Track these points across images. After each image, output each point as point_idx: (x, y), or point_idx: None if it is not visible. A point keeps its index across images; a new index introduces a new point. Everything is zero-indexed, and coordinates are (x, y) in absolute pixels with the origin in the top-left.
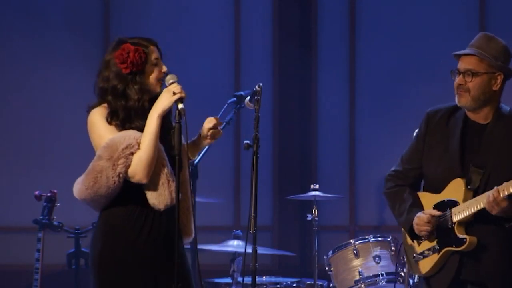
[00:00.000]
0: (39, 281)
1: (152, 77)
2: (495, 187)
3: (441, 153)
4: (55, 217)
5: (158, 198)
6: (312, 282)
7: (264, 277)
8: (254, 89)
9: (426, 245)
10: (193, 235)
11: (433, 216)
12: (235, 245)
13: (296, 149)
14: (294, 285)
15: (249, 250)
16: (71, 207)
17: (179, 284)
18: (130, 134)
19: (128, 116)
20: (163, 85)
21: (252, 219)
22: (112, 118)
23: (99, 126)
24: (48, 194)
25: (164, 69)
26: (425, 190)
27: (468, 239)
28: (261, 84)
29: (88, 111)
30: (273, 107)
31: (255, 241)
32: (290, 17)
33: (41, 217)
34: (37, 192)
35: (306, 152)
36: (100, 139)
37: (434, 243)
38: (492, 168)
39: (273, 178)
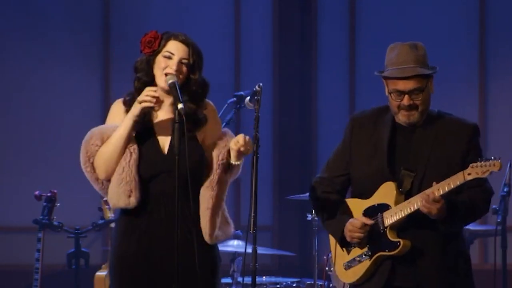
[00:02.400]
0: (39, 281)
1: (158, 68)
2: (429, 189)
3: (369, 157)
4: (55, 217)
5: (112, 197)
6: (312, 282)
7: (264, 277)
8: (254, 89)
9: (356, 251)
10: (211, 237)
11: (366, 223)
12: (235, 245)
13: (296, 149)
14: (294, 285)
15: (249, 250)
16: (71, 207)
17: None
18: (106, 128)
19: (133, 100)
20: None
21: (252, 219)
22: (126, 100)
23: (109, 116)
24: (48, 194)
25: (172, 66)
26: (354, 196)
27: (401, 243)
28: (261, 84)
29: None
30: (273, 107)
31: (255, 241)
32: (290, 17)
33: (41, 217)
34: (37, 192)
35: (306, 152)
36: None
37: (366, 249)
38: (423, 170)
39: (273, 178)
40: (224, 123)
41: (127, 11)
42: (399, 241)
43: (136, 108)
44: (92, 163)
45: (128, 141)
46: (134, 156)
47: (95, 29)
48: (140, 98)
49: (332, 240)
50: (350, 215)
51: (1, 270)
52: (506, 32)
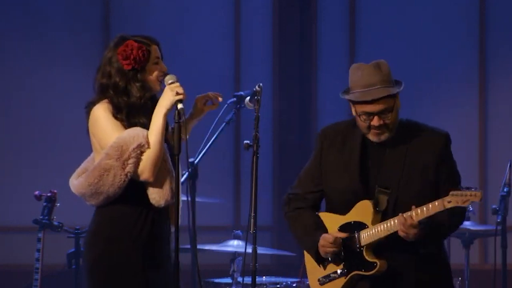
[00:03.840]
0: (39, 281)
1: (153, 76)
2: (407, 213)
3: (340, 174)
4: (55, 217)
5: (159, 194)
6: None
7: (264, 277)
8: (254, 89)
9: (332, 267)
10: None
11: (338, 237)
12: (235, 245)
13: (296, 149)
14: (294, 285)
15: (249, 250)
16: (71, 207)
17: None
18: (139, 133)
19: (131, 112)
20: (162, 85)
21: (252, 219)
22: (118, 113)
23: (105, 121)
24: (48, 194)
25: (165, 68)
26: (328, 210)
27: (378, 263)
28: (261, 84)
29: (89, 107)
30: (273, 107)
31: (255, 241)
32: (290, 17)
33: (41, 217)
34: (37, 192)
35: (306, 152)
36: (104, 134)
37: (341, 266)
38: (398, 187)
39: (273, 178)
40: (224, 123)
41: (127, 11)
42: (375, 262)
43: (170, 100)
44: (136, 170)
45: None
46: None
47: (95, 29)
48: (176, 90)
49: (306, 255)
50: (324, 230)
51: (1, 270)
52: (506, 32)
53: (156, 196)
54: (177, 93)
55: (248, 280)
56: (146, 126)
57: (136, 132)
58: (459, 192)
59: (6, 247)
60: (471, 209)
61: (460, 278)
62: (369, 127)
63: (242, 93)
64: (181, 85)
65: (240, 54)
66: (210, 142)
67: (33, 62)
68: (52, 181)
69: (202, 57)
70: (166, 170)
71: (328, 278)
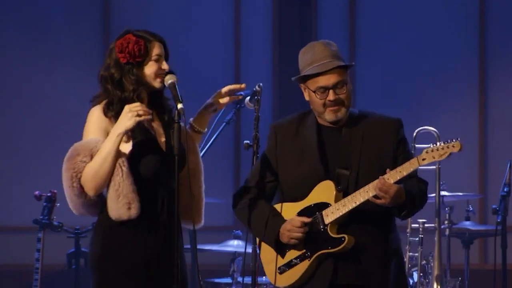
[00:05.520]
0: (39, 281)
1: (150, 72)
2: (380, 177)
3: (299, 161)
4: (55, 217)
5: (112, 208)
6: None
7: (264, 277)
8: (254, 89)
9: (292, 254)
10: (200, 222)
11: (304, 221)
12: (235, 245)
13: None
14: None
15: (249, 250)
16: None
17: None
18: (91, 143)
19: (122, 108)
20: (161, 83)
21: None
22: (109, 109)
23: (91, 125)
24: (48, 194)
25: (164, 66)
26: (284, 201)
27: (346, 238)
28: (261, 84)
29: (92, 101)
30: (273, 107)
31: (255, 241)
32: (290, 17)
33: (41, 217)
34: (37, 192)
35: None
36: (84, 136)
37: (303, 250)
38: (357, 167)
39: None
40: (224, 123)
41: (127, 11)
42: (343, 237)
43: (130, 122)
44: (79, 179)
45: (118, 156)
46: (124, 169)
47: (95, 29)
48: (134, 112)
49: (262, 247)
50: (282, 217)
51: (1, 270)
52: (506, 32)
53: (110, 210)
54: (138, 115)
55: (248, 280)
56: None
57: (90, 141)
58: (434, 147)
59: (6, 247)
60: (471, 209)
61: (460, 278)
62: (325, 105)
63: (242, 93)
64: (176, 84)
65: (240, 54)
66: (210, 142)
67: (33, 62)
68: (52, 181)
69: (202, 57)
70: (123, 188)
71: (289, 266)
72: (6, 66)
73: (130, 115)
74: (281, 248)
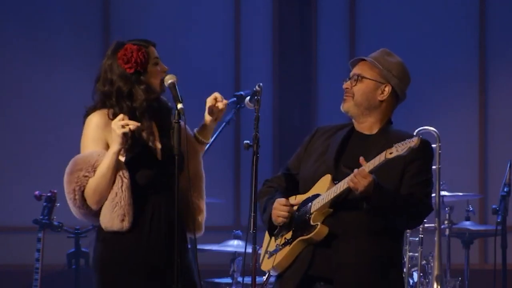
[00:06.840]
0: (39, 281)
1: (155, 77)
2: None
3: (318, 158)
4: (55, 217)
5: (105, 221)
6: None
7: (264, 277)
8: (254, 89)
9: (280, 240)
10: (200, 231)
11: (291, 205)
12: (235, 245)
13: (296, 149)
14: None
15: (249, 250)
16: None
17: (180, 284)
18: (93, 157)
19: (133, 118)
20: (163, 85)
21: (252, 219)
22: (115, 117)
23: (87, 134)
24: (48, 194)
25: (165, 68)
26: (298, 194)
27: (318, 226)
28: (261, 84)
29: (86, 113)
30: (273, 107)
31: (255, 241)
32: (290, 17)
33: (41, 217)
34: (37, 192)
35: None
36: (82, 144)
37: (289, 237)
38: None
39: None
40: (224, 123)
41: (127, 11)
42: (316, 224)
43: (119, 139)
44: (82, 193)
45: (116, 169)
46: (125, 180)
47: (95, 29)
48: (119, 126)
49: (266, 235)
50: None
51: (1, 270)
52: (506, 32)
53: (103, 218)
54: (123, 126)
55: (248, 280)
56: (150, 129)
57: (92, 155)
58: (401, 143)
59: (6, 247)
60: (471, 209)
61: (460, 278)
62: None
63: (242, 93)
64: (177, 83)
65: (240, 54)
66: (210, 142)
67: (33, 62)
68: (52, 181)
69: (202, 57)
70: (119, 200)
71: (275, 250)
72: (6, 66)
73: (118, 131)
74: (274, 233)
